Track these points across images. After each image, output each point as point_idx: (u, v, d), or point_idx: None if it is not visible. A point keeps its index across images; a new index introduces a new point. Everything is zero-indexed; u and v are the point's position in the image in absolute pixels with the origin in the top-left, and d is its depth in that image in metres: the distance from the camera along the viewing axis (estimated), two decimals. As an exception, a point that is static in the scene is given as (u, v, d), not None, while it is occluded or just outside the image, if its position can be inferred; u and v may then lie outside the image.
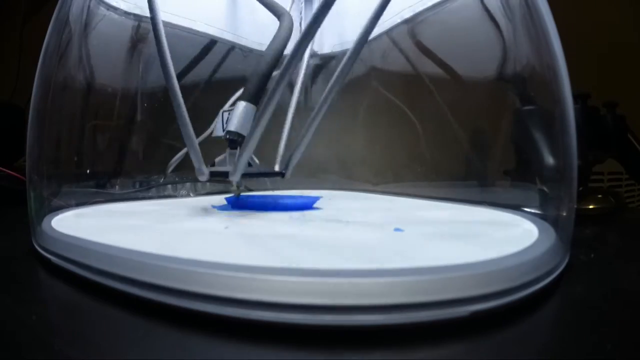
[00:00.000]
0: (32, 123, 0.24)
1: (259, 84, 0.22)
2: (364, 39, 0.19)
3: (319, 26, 0.18)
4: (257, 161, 0.25)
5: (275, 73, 0.21)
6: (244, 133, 0.22)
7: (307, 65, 0.34)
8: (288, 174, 0.24)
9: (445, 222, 0.20)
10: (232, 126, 0.22)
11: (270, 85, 0.20)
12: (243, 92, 0.23)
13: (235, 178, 0.21)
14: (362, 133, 0.38)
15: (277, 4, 0.27)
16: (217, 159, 0.24)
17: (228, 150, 0.23)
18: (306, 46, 0.18)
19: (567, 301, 0.14)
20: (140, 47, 0.33)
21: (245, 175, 0.23)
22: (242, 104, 0.22)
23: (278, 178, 0.26)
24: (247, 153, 0.20)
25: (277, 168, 0.25)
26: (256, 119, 0.20)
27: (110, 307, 0.13)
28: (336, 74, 0.20)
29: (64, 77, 0.28)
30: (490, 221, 0.21)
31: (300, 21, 0.36)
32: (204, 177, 0.22)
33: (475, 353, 0.10)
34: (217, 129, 0.24)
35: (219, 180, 0.23)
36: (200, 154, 0.22)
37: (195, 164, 0.21)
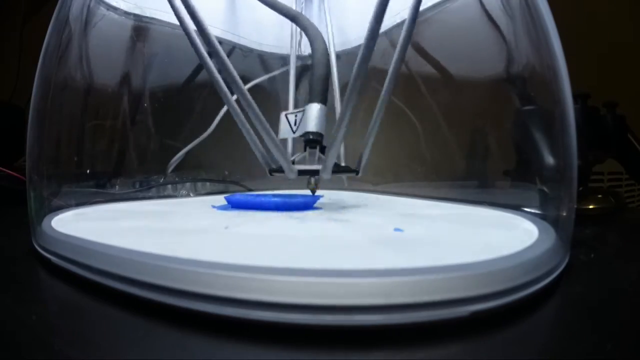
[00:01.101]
0: (32, 123, 0.24)
1: (323, 86, 0.24)
2: (378, 24, 0.19)
3: (381, 21, 0.18)
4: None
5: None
6: (322, 132, 0.23)
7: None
8: (361, 172, 0.25)
9: (445, 222, 0.20)
10: (311, 127, 0.23)
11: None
12: (311, 95, 0.24)
13: (326, 175, 0.23)
14: (362, 133, 0.38)
15: (288, 7, 0.27)
16: (296, 158, 0.25)
17: (308, 150, 0.24)
18: (373, 45, 0.19)
19: (567, 301, 0.14)
20: (140, 47, 0.33)
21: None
22: (316, 106, 0.24)
23: (279, 178, 0.26)
24: (335, 150, 0.21)
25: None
26: (340, 117, 0.20)
27: (110, 307, 0.13)
28: (389, 71, 0.21)
29: (64, 77, 0.28)
30: (490, 221, 0.21)
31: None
32: (293, 175, 0.23)
33: (475, 353, 0.10)
34: (283, 130, 0.25)
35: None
36: (287, 154, 0.23)
37: (284, 164, 0.22)
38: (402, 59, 0.21)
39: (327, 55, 0.25)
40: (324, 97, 0.24)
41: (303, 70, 0.37)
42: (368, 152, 0.24)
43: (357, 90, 0.19)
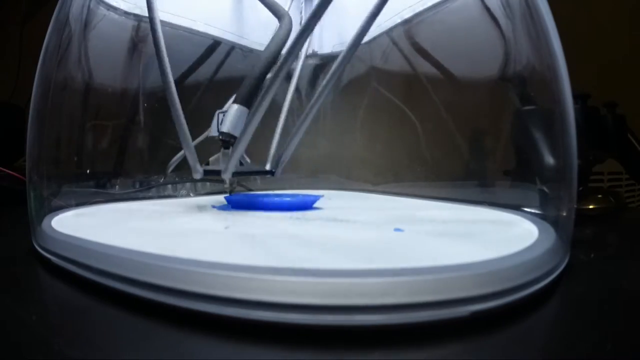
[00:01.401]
0: (32, 123, 0.24)
1: (252, 87, 0.23)
2: (358, 40, 0.19)
3: (311, 30, 0.18)
4: (248, 160, 0.26)
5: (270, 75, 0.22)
6: (236, 134, 0.23)
7: (304, 66, 0.34)
8: (278, 173, 0.25)
9: (445, 222, 0.20)
10: (225, 127, 0.23)
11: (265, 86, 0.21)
12: (236, 95, 0.23)
13: (226, 176, 0.23)
14: (362, 133, 0.38)
15: (278, 4, 0.27)
16: (211, 159, 0.25)
17: (222, 150, 0.24)
18: (299, 50, 0.19)
19: (567, 301, 0.14)
20: (141, 47, 0.33)
21: (236, 174, 0.24)
22: (234, 106, 0.23)
23: (278, 178, 0.26)
24: (238, 153, 0.21)
25: (268, 167, 0.26)
26: (248, 120, 0.21)
27: (110, 307, 0.13)
28: (328, 75, 0.21)
29: (64, 77, 0.28)
30: (490, 221, 0.21)
31: (300, 21, 0.36)
32: (198, 175, 0.23)
33: (475, 353, 0.10)
34: (212, 129, 0.25)
35: (212, 179, 0.24)
36: (195, 153, 0.23)
37: (190, 163, 0.22)
38: (347, 62, 0.21)
39: (275, 57, 0.24)
40: (247, 99, 0.23)
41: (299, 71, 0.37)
42: (289, 153, 0.24)
43: (322, 99, 0.20)
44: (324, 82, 0.21)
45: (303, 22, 0.18)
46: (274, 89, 0.20)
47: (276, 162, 0.25)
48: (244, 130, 0.21)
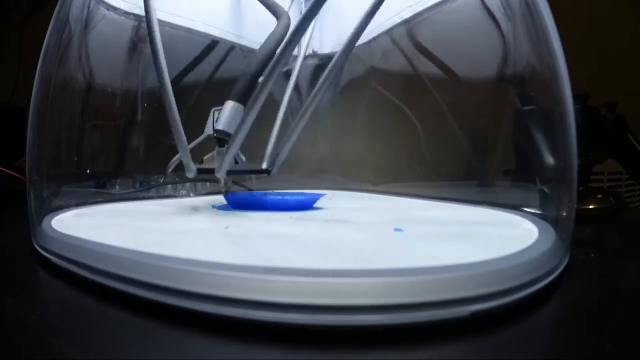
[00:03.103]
0: (32, 123, 0.24)
1: (248, 84, 0.23)
2: (354, 40, 0.19)
3: (305, 29, 0.18)
4: (243, 158, 0.26)
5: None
6: (231, 132, 0.22)
7: (304, 66, 0.34)
8: (274, 172, 0.24)
9: (445, 222, 0.20)
10: (220, 125, 0.23)
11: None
12: (231, 92, 0.23)
13: (220, 175, 0.22)
14: (362, 133, 0.38)
15: (277, 4, 0.27)
16: (205, 157, 0.25)
17: (216, 148, 0.24)
18: (293, 48, 0.19)
19: (567, 301, 0.14)
20: (140, 47, 0.33)
21: (231, 172, 0.23)
22: (230, 104, 0.23)
23: (278, 177, 0.26)
24: (232, 151, 0.21)
25: (264, 166, 0.25)
26: (242, 118, 0.20)
27: (110, 307, 0.13)
28: (325, 73, 0.21)
29: (64, 77, 0.28)
30: (490, 221, 0.21)
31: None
32: (191, 174, 0.23)
33: (475, 353, 0.10)
34: (208, 127, 0.25)
35: (206, 179, 0.24)
36: (188, 152, 0.23)
37: (184, 161, 0.22)
38: (343, 61, 0.20)
39: (271, 55, 0.24)
40: (242, 97, 0.23)
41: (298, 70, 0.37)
42: (286, 152, 0.23)
43: (318, 98, 0.20)
44: (321, 80, 0.21)
45: (296, 21, 0.18)
46: (268, 87, 0.19)
47: (273, 161, 0.25)
48: (239, 128, 0.21)
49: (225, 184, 0.25)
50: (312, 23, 0.33)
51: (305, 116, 0.22)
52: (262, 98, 0.20)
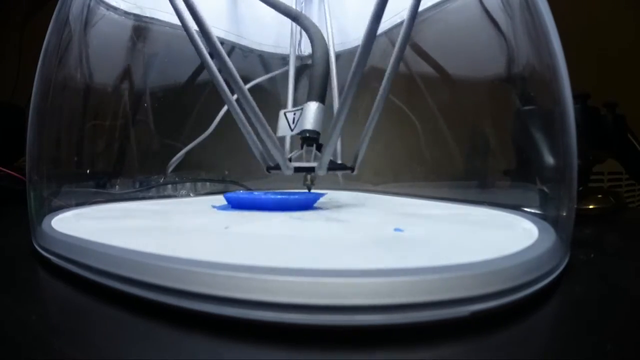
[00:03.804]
0: (32, 123, 0.24)
1: (322, 85, 0.24)
2: (376, 25, 0.19)
3: (379, 21, 0.18)
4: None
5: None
6: (319, 130, 0.24)
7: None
8: (356, 170, 0.25)
9: (445, 222, 0.20)
10: (309, 125, 0.24)
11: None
12: (310, 94, 0.24)
13: (322, 172, 0.23)
14: (359, 132, 0.38)
15: (287, 6, 0.28)
16: (293, 155, 0.25)
17: (305, 147, 0.24)
18: (370, 47, 0.19)
19: (567, 301, 0.14)
20: (141, 47, 0.33)
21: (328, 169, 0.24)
22: (314, 104, 0.24)
23: (278, 178, 0.26)
24: (331, 147, 0.22)
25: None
26: (336, 118, 0.21)
27: (110, 307, 0.13)
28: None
29: (63, 77, 0.28)
30: (490, 221, 0.21)
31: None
32: (289, 172, 0.23)
33: (475, 353, 0.10)
34: (281, 128, 0.25)
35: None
36: (284, 152, 0.23)
37: (280, 161, 0.22)
38: (400, 58, 0.21)
39: (327, 54, 0.25)
40: (322, 96, 0.24)
41: (302, 70, 0.37)
42: (364, 150, 0.24)
43: (354, 90, 0.20)
44: (385, 79, 0.22)
45: (371, 16, 0.18)
46: (355, 83, 0.20)
47: (354, 159, 0.25)
48: (334, 126, 0.21)
49: (311, 180, 0.25)
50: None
51: (377, 114, 0.22)
52: (352, 94, 0.20)
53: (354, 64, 0.19)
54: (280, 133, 0.25)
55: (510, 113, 0.25)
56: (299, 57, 0.37)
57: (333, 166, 0.25)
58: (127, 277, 0.13)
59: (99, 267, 0.14)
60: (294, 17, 0.28)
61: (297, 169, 0.24)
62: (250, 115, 0.20)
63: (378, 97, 0.22)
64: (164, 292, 0.12)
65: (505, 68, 0.24)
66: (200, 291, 0.11)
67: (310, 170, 0.24)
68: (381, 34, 0.33)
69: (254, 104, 0.20)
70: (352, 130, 0.24)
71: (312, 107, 0.24)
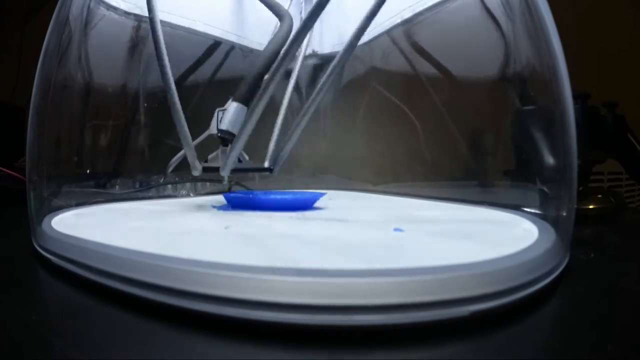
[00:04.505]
0: (32, 123, 0.24)
1: (251, 85, 0.23)
2: (355, 40, 0.20)
3: (309, 29, 0.19)
4: (247, 157, 0.27)
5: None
6: (235, 132, 0.23)
7: (303, 65, 0.34)
8: (276, 171, 0.25)
9: (445, 222, 0.20)
10: (224, 125, 0.23)
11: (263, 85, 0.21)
12: (235, 93, 0.24)
13: (225, 173, 0.23)
14: (362, 133, 0.38)
15: (279, 4, 0.27)
16: (210, 156, 0.26)
17: (220, 147, 0.25)
18: (296, 49, 0.19)
19: (567, 301, 0.14)
20: (141, 47, 0.33)
21: (235, 171, 0.24)
22: (233, 105, 0.23)
23: (278, 177, 0.26)
24: (236, 150, 0.22)
25: (266, 164, 0.26)
26: (246, 118, 0.21)
27: (110, 307, 0.13)
28: (326, 74, 0.21)
29: (64, 77, 0.28)
30: (490, 221, 0.21)
31: (300, 19, 0.36)
32: (197, 172, 0.24)
33: (475, 353, 0.10)
34: (212, 127, 0.25)
35: (210, 179, 0.24)
36: (194, 151, 0.23)
37: (190, 160, 0.23)
38: (345, 60, 0.21)
39: (273, 57, 0.24)
40: (246, 98, 0.24)
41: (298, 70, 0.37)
42: (287, 151, 0.24)
43: (268, 95, 0.20)
44: (322, 80, 0.21)
45: (300, 23, 0.18)
46: (271, 88, 0.20)
47: (274, 160, 0.25)
48: (242, 127, 0.21)
49: (229, 182, 0.26)
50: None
51: (306, 116, 0.22)
52: (266, 98, 0.20)
53: (326, 73, 0.20)
54: (209, 131, 0.26)
55: (510, 113, 0.25)
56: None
57: (249, 167, 0.26)
58: (127, 277, 0.13)
59: (99, 267, 0.14)
60: (269, 5, 0.27)
61: (205, 169, 0.24)
62: (172, 111, 0.21)
63: (309, 101, 0.22)
64: (164, 292, 0.12)
65: (505, 68, 0.24)
66: (200, 291, 0.11)
67: (215, 169, 0.24)
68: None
69: (177, 101, 0.21)
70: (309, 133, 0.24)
71: (232, 108, 0.24)
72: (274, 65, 0.20)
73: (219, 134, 0.24)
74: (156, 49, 0.21)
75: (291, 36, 0.19)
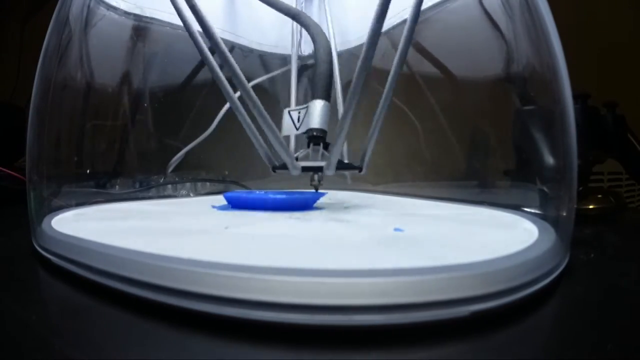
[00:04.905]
0: (32, 123, 0.24)
1: (327, 83, 0.24)
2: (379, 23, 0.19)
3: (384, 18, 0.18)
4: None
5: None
6: (326, 128, 0.23)
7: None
8: (364, 169, 0.24)
9: (445, 222, 0.20)
10: (315, 123, 0.23)
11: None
12: (315, 92, 0.24)
13: (330, 172, 0.23)
14: (364, 131, 0.38)
15: (305, 16, 0.28)
16: (300, 155, 0.25)
17: (312, 146, 0.24)
18: (376, 43, 0.19)
19: (567, 301, 0.14)
20: (140, 47, 0.33)
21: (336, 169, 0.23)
22: (319, 102, 0.23)
23: (278, 177, 0.26)
24: (339, 147, 0.21)
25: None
26: (343, 116, 0.20)
27: (110, 307, 0.13)
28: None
29: (63, 77, 0.28)
30: (490, 221, 0.21)
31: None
32: (296, 172, 0.23)
33: (475, 353, 0.10)
34: (286, 127, 0.25)
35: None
36: (290, 151, 0.23)
37: (287, 161, 0.22)
38: (404, 57, 0.21)
39: (330, 52, 0.25)
40: (327, 94, 0.24)
41: (301, 70, 0.37)
42: (371, 149, 0.24)
43: (360, 88, 0.19)
44: (390, 78, 0.21)
45: (374, 16, 0.18)
46: (361, 80, 0.19)
47: (361, 158, 0.24)
48: (341, 125, 0.21)
49: (318, 180, 0.25)
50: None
51: (382, 113, 0.22)
52: (357, 94, 0.20)
53: (359, 63, 0.19)
54: (285, 132, 0.25)
55: (510, 113, 0.25)
56: (300, 57, 0.37)
57: (341, 166, 0.25)
58: (127, 277, 0.13)
59: (99, 267, 0.14)
60: (294, 15, 0.28)
61: (305, 169, 0.23)
62: (255, 114, 0.20)
63: (383, 97, 0.22)
64: (164, 292, 0.12)
65: (505, 68, 0.24)
66: (200, 291, 0.11)
67: (318, 169, 0.23)
68: (382, 35, 0.33)
69: (258, 102, 0.20)
70: (355, 130, 0.24)
71: (318, 105, 0.23)
72: (361, 58, 0.19)
73: (313, 133, 0.23)
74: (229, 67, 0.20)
75: (371, 28, 0.18)
